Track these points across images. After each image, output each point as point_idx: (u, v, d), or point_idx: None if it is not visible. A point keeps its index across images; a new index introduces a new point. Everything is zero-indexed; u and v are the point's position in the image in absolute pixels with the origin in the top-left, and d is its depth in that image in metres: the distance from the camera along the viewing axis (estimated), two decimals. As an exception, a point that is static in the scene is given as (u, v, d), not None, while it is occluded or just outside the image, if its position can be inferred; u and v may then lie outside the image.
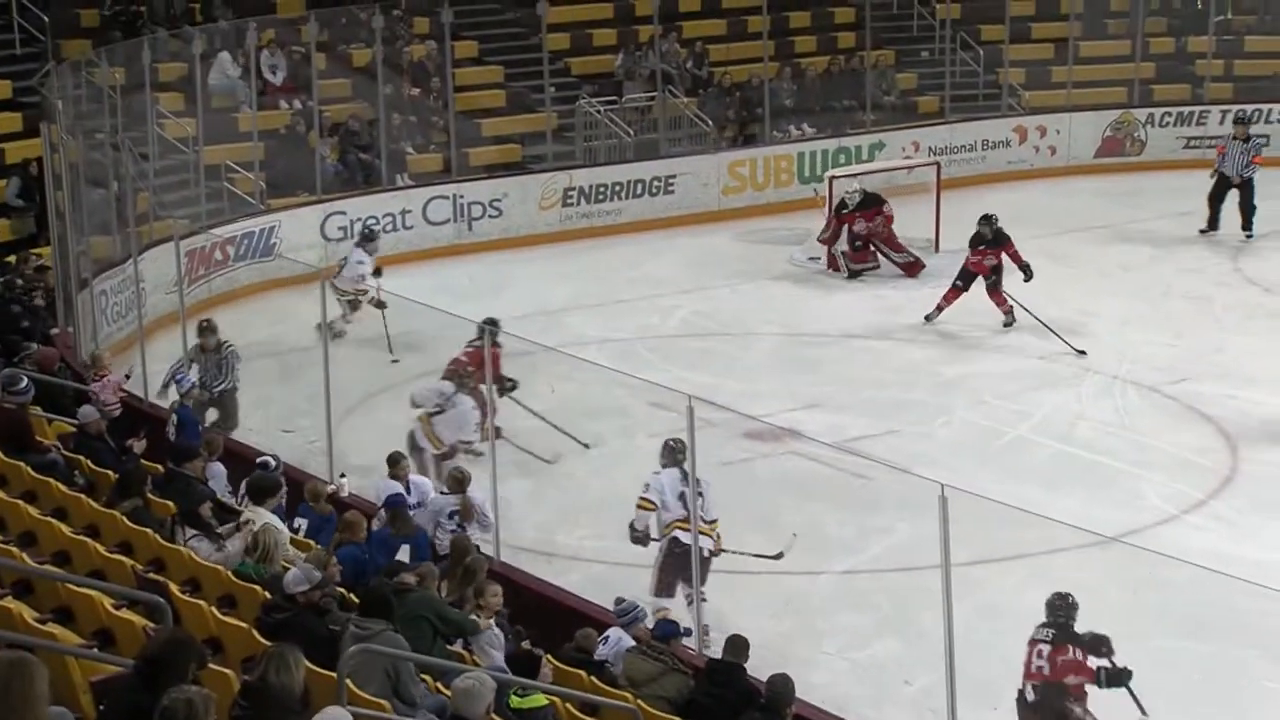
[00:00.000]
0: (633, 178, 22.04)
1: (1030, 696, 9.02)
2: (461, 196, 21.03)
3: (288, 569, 8.82)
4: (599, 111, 22.79)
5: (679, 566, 10.68)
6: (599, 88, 23.31)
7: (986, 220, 17.23)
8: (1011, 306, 17.06)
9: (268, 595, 8.60)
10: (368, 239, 17.61)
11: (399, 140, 21.50)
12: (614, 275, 19.68)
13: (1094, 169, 23.42)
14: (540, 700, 7.82)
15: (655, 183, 22.12)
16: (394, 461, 11.38)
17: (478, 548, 10.18)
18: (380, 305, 16.16)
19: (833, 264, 19.41)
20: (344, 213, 20.11)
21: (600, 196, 21.77)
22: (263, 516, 9.94)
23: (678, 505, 10.77)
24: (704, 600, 10.41)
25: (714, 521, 10.83)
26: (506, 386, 13.72)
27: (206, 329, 13.93)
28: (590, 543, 11.96)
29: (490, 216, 21.16)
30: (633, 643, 9.20)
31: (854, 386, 15.26)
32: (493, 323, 13.10)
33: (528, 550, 11.61)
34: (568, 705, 8.17)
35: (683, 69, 23.80)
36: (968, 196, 21.50)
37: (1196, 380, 14.85)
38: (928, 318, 17.30)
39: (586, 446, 13.67)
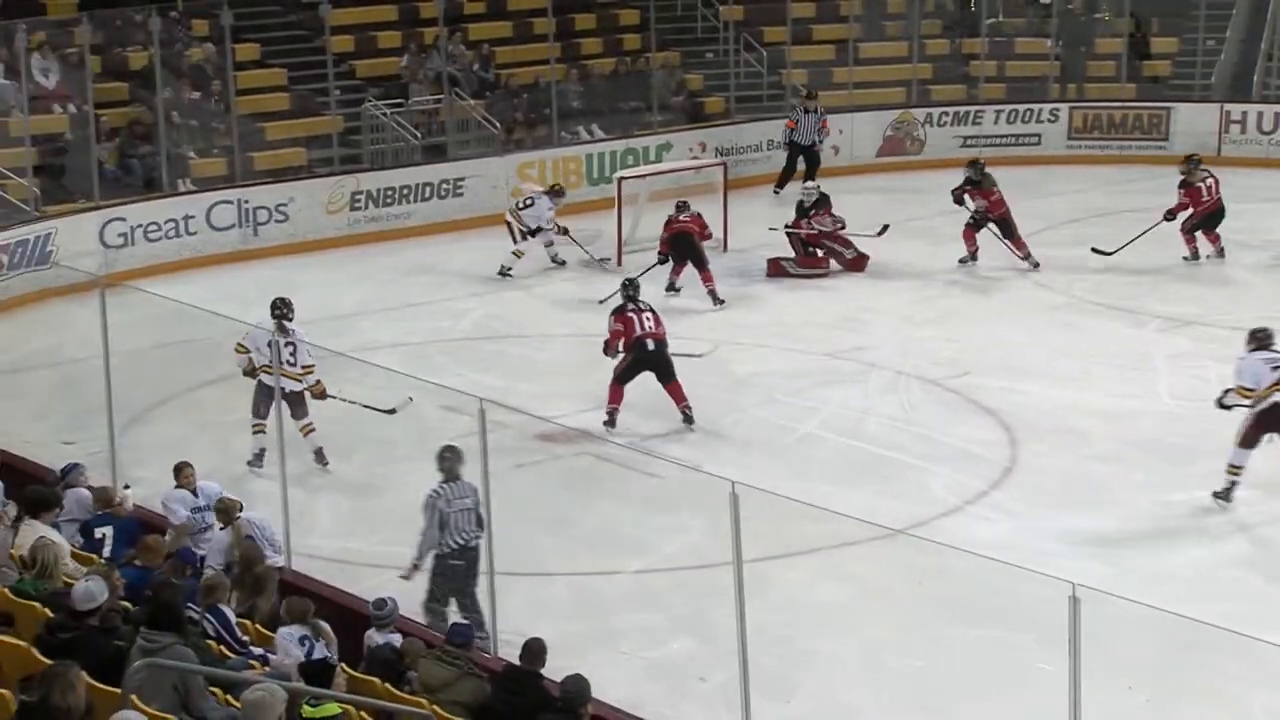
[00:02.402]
0: (421, 180, 21.90)
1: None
2: (246, 201, 20.68)
3: (69, 584, 8.58)
4: (385, 114, 22.61)
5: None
6: (385, 90, 23.13)
7: (976, 166, 19.36)
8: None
9: (48, 613, 8.36)
10: (557, 194, 19.88)
11: (180, 145, 21.08)
12: (405, 279, 19.54)
13: (876, 167, 23.88)
14: (333, 709, 7.72)
15: (444, 185, 22.02)
16: (179, 470, 11.17)
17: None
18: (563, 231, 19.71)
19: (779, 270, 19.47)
20: (124, 219, 19.66)
21: (388, 200, 21.59)
22: (39, 530, 9.65)
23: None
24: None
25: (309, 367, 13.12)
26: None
27: None
28: (384, 549, 11.85)
29: (276, 221, 20.85)
30: (396, 641, 9.14)
31: (645, 386, 15.34)
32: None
33: (321, 558, 11.46)
34: (362, 713, 8.08)
35: (469, 71, 23.71)
36: (754, 196, 21.81)
37: (977, 374, 15.21)
38: (961, 261, 19.27)
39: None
